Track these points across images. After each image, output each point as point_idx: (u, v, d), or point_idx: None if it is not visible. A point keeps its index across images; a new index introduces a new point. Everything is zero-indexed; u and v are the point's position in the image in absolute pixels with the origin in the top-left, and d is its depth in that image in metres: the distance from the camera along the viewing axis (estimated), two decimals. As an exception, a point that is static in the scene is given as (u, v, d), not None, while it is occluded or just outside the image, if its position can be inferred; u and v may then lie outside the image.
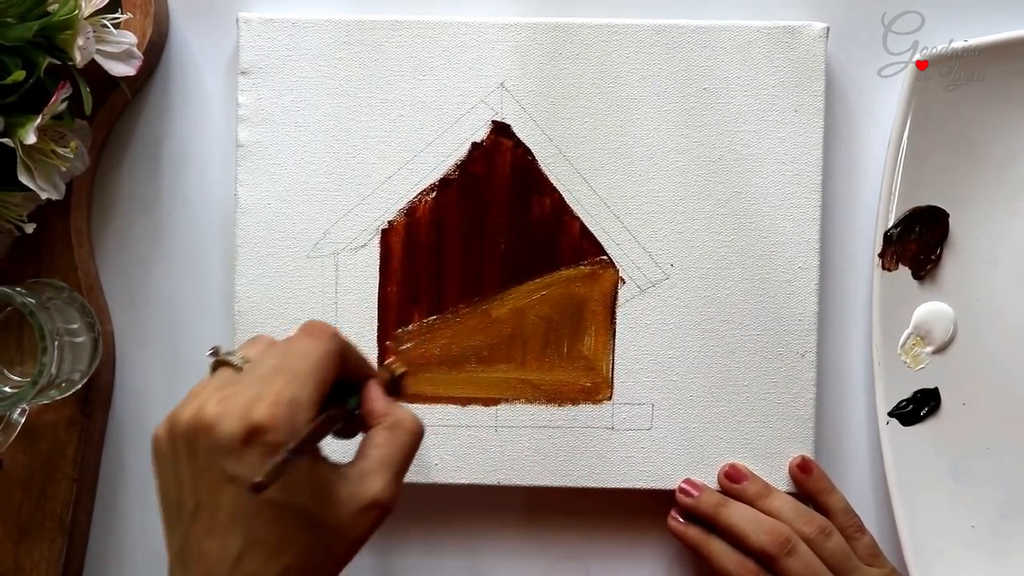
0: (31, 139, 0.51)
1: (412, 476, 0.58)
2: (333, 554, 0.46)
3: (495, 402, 0.58)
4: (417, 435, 0.49)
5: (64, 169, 0.54)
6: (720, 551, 0.56)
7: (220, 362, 0.48)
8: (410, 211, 0.58)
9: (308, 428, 0.45)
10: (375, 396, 0.50)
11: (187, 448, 0.45)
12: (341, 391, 0.49)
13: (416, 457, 0.49)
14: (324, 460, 0.47)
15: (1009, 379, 0.58)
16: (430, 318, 0.58)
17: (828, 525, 0.56)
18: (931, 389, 0.58)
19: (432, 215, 0.58)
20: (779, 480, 0.58)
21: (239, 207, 0.58)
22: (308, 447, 0.45)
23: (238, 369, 0.48)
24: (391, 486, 0.47)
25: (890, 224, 0.57)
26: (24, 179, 0.52)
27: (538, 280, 0.58)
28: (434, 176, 0.58)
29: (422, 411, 0.58)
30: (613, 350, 0.58)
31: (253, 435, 0.44)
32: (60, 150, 0.53)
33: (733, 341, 0.58)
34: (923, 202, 0.58)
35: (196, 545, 0.45)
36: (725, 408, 0.58)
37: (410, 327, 0.58)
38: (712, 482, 0.58)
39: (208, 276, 0.60)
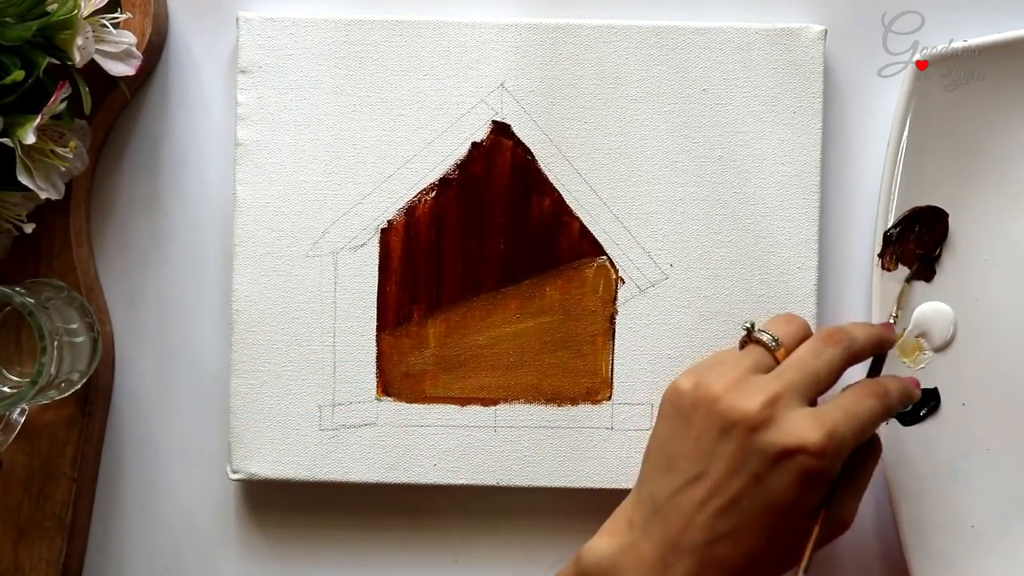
0: (30, 139, 0.51)
1: (411, 476, 0.58)
2: (783, 562, 0.49)
3: (494, 402, 0.58)
4: (878, 459, 0.52)
5: (63, 169, 0.54)
6: None
7: (751, 339, 0.51)
8: (409, 210, 0.58)
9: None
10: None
11: (717, 426, 0.48)
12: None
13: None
14: None
15: (1009, 379, 0.58)
16: (429, 318, 0.58)
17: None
18: (931, 389, 0.58)
19: (432, 215, 0.58)
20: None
21: (238, 206, 0.58)
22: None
23: (772, 353, 0.50)
24: (856, 512, 0.50)
25: (889, 224, 0.57)
26: (23, 179, 0.52)
27: (537, 280, 0.58)
28: (434, 176, 0.58)
29: (422, 411, 0.58)
30: (612, 350, 0.58)
31: (796, 453, 0.46)
32: (59, 150, 0.53)
33: (732, 341, 0.57)
34: (923, 202, 0.57)
35: (683, 506, 0.48)
36: (724, 408, 0.58)
37: (409, 326, 0.58)
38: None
39: (207, 275, 0.60)
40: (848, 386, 0.51)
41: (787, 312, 0.56)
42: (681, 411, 0.50)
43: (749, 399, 0.48)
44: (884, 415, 0.50)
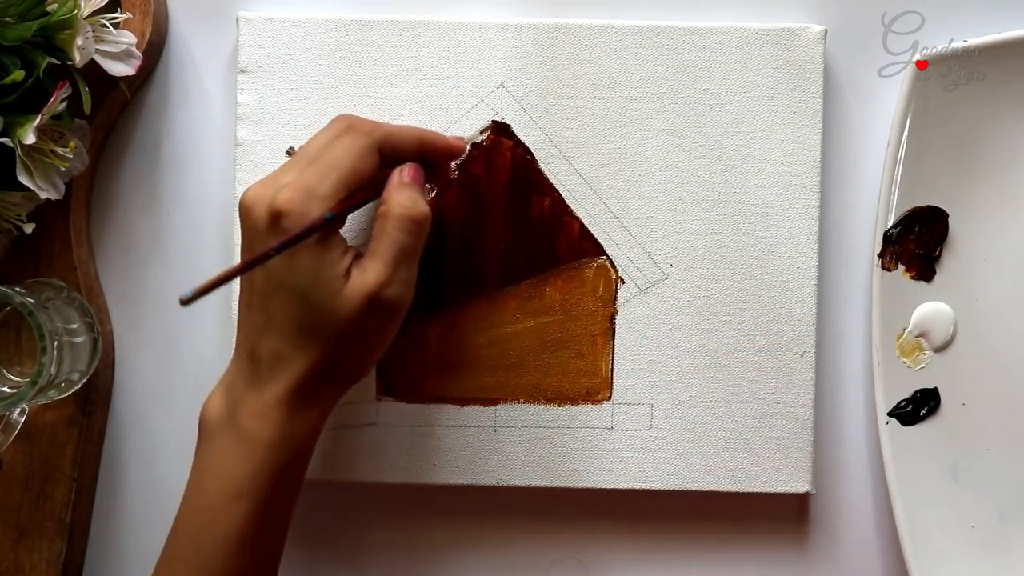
0: (30, 139, 0.51)
1: (411, 476, 0.58)
2: (337, 346, 0.49)
3: (494, 402, 0.58)
4: (402, 219, 0.49)
5: (63, 169, 0.54)
6: None
7: (289, 153, 0.55)
8: (409, 211, 0.58)
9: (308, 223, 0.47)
10: (388, 184, 0.51)
11: (242, 225, 0.50)
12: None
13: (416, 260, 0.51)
14: (348, 252, 0.49)
15: (1009, 379, 0.58)
16: (429, 318, 0.58)
17: None
18: (931, 389, 0.58)
19: (432, 215, 0.58)
20: (780, 480, 0.58)
21: (238, 207, 0.58)
22: (285, 249, 0.47)
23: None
24: (379, 276, 0.49)
25: (889, 224, 0.57)
26: (23, 179, 0.52)
27: (537, 280, 0.58)
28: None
29: (421, 411, 0.58)
30: (612, 350, 0.58)
31: (275, 219, 0.48)
32: (59, 150, 0.53)
33: (732, 341, 0.58)
34: (923, 202, 0.58)
35: (241, 309, 0.51)
36: (724, 408, 0.58)
37: (409, 326, 0.58)
38: (710, 484, 0.58)
39: (207, 275, 0.59)
40: None
41: None
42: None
43: (252, 188, 0.49)
44: (366, 147, 0.50)
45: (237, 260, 0.57)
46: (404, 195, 0.50)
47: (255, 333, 0.49)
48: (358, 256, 0.50)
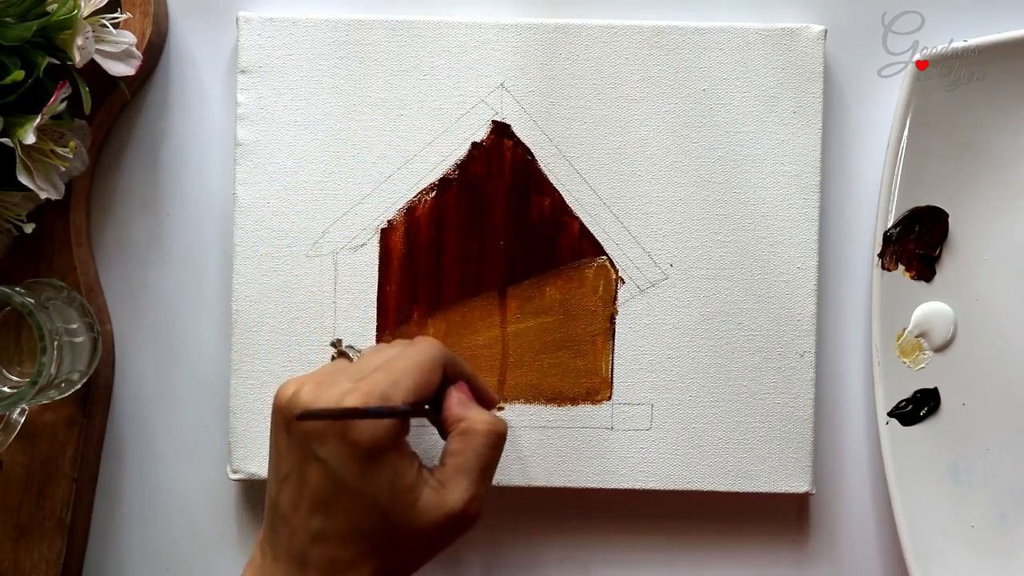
0: (30, 139, 0.51)
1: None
2: (406, 553, 0.48)
3: (494, 402, 0.58)
4: (491, 437, 0.49)
5: (63, 169, 0.54)
6: None
7: (340, 352, 0.54)
8: (410, 211, 0.58)
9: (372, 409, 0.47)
10: (452, 402, 0.50)
11: (283, 422, 0.48)
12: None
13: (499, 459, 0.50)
14: (415, 461, 0.48)
15: (1009, 379, 0.58)
16: (429, 318, 0.58)
17: None
18: (931, 389, 0.58)
19: (432, 215, 0.58)
20: (780, 480, 0.58)
21: (238, 206, 0.58)
22: (355, 418, 0.46)
23: (350, 361, 0.51)
24: (466, 494, 0.48)
25: (889, 224, 0.57)
26: (23, 179, 0.52)
27: (537, 280, 0.58)
28: (434, 176, 0.58)
29: (421, 411, 0.58)
30: (612, 350, 0.58)
31: (341, 424, 0.46)
32: (59, 150, 0.53)
33: (732, 341, 0.58)
34: (923, 202, 0.58)
35: (285, 510, 0.48)
36: (724, 408, 0.58)
37: (409, 326, 0.58)
38: (710, 484, 0.58)
39: (207, 275, 0.60)
40: None
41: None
42: (273, 421, 0.49)
43: (304, 386, 0.48)
44: (432, 362, 0.49)
45: (236, 262, 0.57)
46: (478, 412, 0.50)
47: (305, 537, 0.47)
48: (422, 466, 0.49)
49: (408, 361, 0.48)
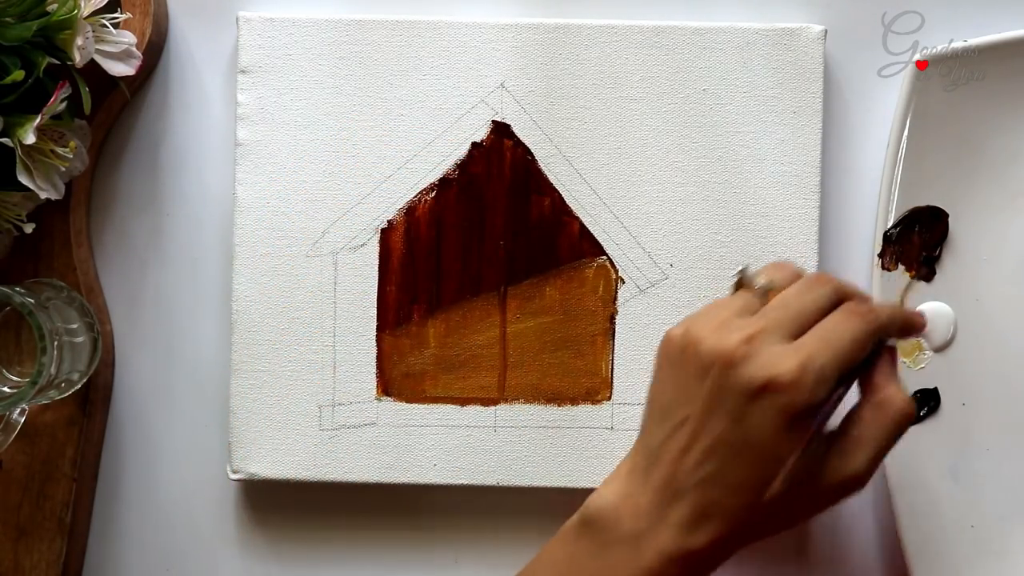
0: (30, 139, 0.51)
1: (411, 476, 0.58)
2: (790, 513, 0.48)
3: (494, 402, 0.58)
4: (905, 416, 0.48)
5: (63, 169, 0.54)
6: None
7: (741, 283, 0.50)
8: (409, 211, 0.58)
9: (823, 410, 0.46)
10: (882, 369, 0.49)
11: (699, 368, 0.47)
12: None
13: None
14: (824, 426, 0.48)
15: (1009, 379, 0.58)
16: (429, 317, 0.58)
17: None
18: (931, 389, 0.58)
19: (431, 215, 0.58)
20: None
21: (238, 206, 0.58)
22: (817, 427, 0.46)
23: (761, 296, 0.49)
24: (868, 466, 0.47)
25: (889, 224, 0.57)
26: (23, 179, 0.52)
27: (537, 280, 0.58)
28: (434, 176, 0.58)
29: (422, 411, 0.58)
30: (612, 350, 0.58)
31: (771, 388, 0.45)
32: (59, 150, 0.53)
33: (732, 341, 0.57)
34: (923, 202, 0.57)
35: (671, 451, 0.47)
36: (724, 408, 0.57)
37: (409, 326, 0.58)
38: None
39: (207, 275, 0.60)
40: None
41: (779, 259, 0.54)
42: (670, 359, 0.49)
43: (728, 337, 0.47)
44: (869, 336, 0.47)
45: (236, 262, 0.57)
46: (897, 387, 0.48)
47: (691, 479, 0.46)
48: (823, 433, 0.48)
49: (847, 335, 0.46)
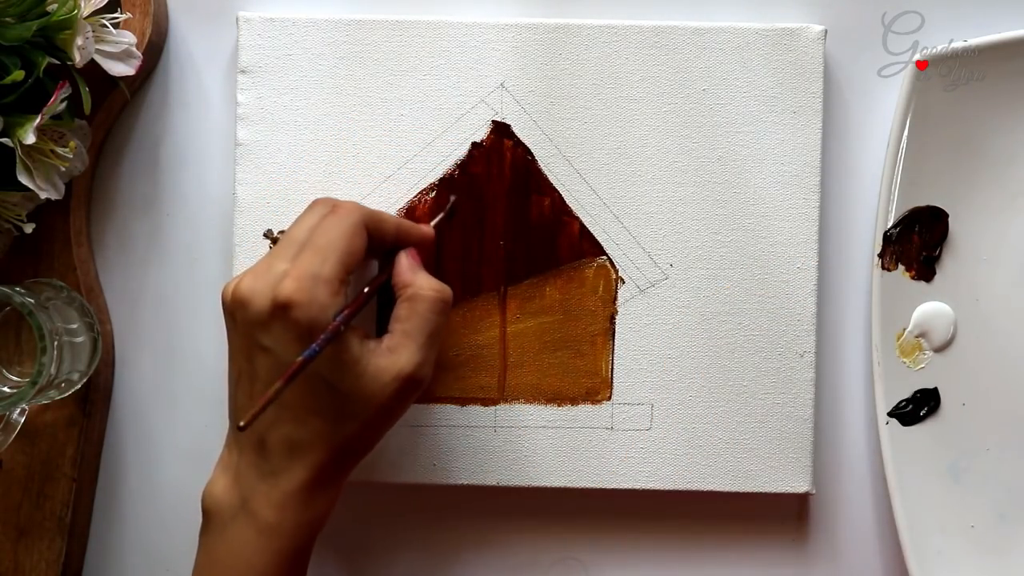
0: (30, 139, 0.51)
1: (411, 476, 0.58)
2: (363, 424, 0.49)
3: (494, 402, 0.58)
4: (436, 302, 0.50)
5: (63, 169, 0.54)
6: None
7: (273, 240, 0.54)
8: (410, 211, 0.58)
9: (327, 327, 0.47)
10: (401, 268, 0.52)
11: (231, 320, 0.50)
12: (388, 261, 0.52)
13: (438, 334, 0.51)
14: (355, 335, 0.49)
15: (1009, 379, 0.58)
16: (429, 318, 0.58)
17: None
18: (931, 389, 0.58)
19: (432, 215, 0.58)
20: (780, 480, 0.58)
21: (238, 206, 0.58)
22: (320, 351, 0.47)
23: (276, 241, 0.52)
24: (415, 358, 0.49)
25: (889, 224, 0.57)
26: (23, 179, 0.52)
27: (537, 280, 0.58)
28: (434, 176, 0.58)
29: (421, 411, 0.58)
30: (612, 350, 0.58)
31: (279, 310, 0.47)
32: (59, 150, 0.53)
33: (732, 341, 0.58)
34: (923, 202, 0.58)
35: (242, 405, 0.50)
36: (724, 408, 0.58)
37: (409, 327, 0.58)
38: (710, 484, 0.58)
39: (207, 275, 0.60)
40: None
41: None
42: (224, 325, 0.51)
43: (238, 283, 0.49)
44: (354, 227, 0.49)
45: (236, 262, 0.57)
46: (426, 278, 0.51)
47: (262, 425, 0.49)
48: (366, 336, 0.50)
49: (330, 233, 0.49)
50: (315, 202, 0.52)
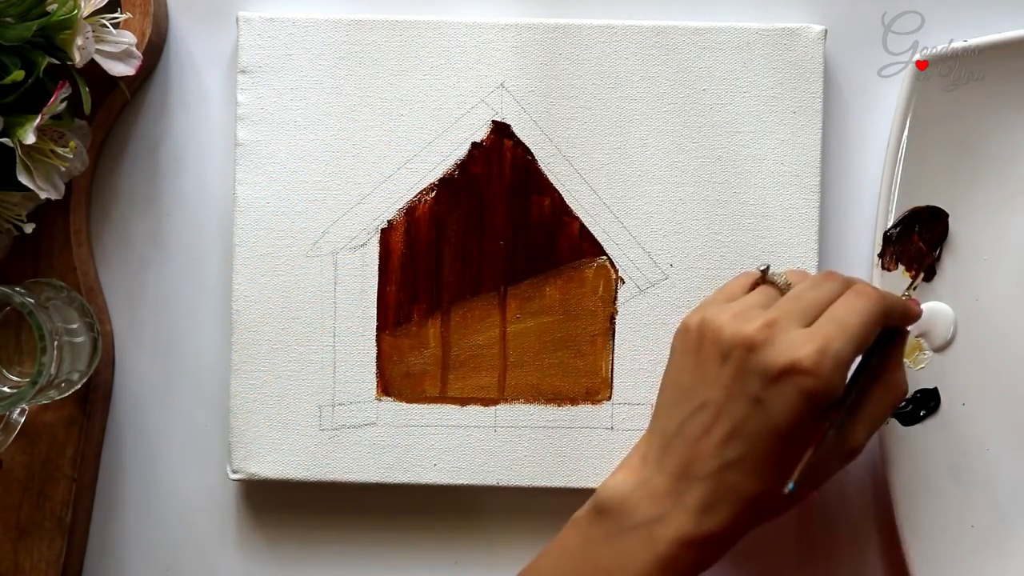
0: (30, 139, 0.51)
1: (411, 476, 0.58)
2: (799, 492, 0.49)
3: (494, 402, 0.58)
4: (902, 399, 0.51)
5: (63, 169, 0.54)
6: None
7: (764, 280, 0.52)
8: (410, 211, 0.58)
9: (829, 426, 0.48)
10: (896, 350, 0.51)
11: (719, 353, 0.48)
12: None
13: None
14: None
15: (1009, 379, 0.58)
16: (429, 317, 0.58)
17: None
18: (931, 389, 0.58)
19: (432, 215, 0.58)
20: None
21: (238, 206, 0.58)
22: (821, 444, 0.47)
23: (780, 291, 0.51)
24: (868, 438, 0.50)
25: (889, 224, 0.57)
26: (23, 179, 0.52)
27: (537, 280, 0.58)
28: (434, 176, 0.58)
29: (422, 411, 0.58)
30: (612, 350, 0.58)
31: (791, 372, 0.46)
32: (59, 150, 0.53)
33: (732, 341, 0.57)
34: (923, 202, 0.58)
35: (690, 435, 0.48)
36: (724, 408, 0.58)
37: (409, 326, 0.58)
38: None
39: (207, 275, 0.60)
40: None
41: (780, 261, 0.57)
42: (688, 346, 0.50)
43: (747, 324, 0.48)
44: (878, 318, 0.49)
45: (236, 262, 0.57)
46: (903, 371, 0.52)
47: (713, 462, 0.48)
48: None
49: (856, 318, 0.48)
50: (828, 273, 0.51)
